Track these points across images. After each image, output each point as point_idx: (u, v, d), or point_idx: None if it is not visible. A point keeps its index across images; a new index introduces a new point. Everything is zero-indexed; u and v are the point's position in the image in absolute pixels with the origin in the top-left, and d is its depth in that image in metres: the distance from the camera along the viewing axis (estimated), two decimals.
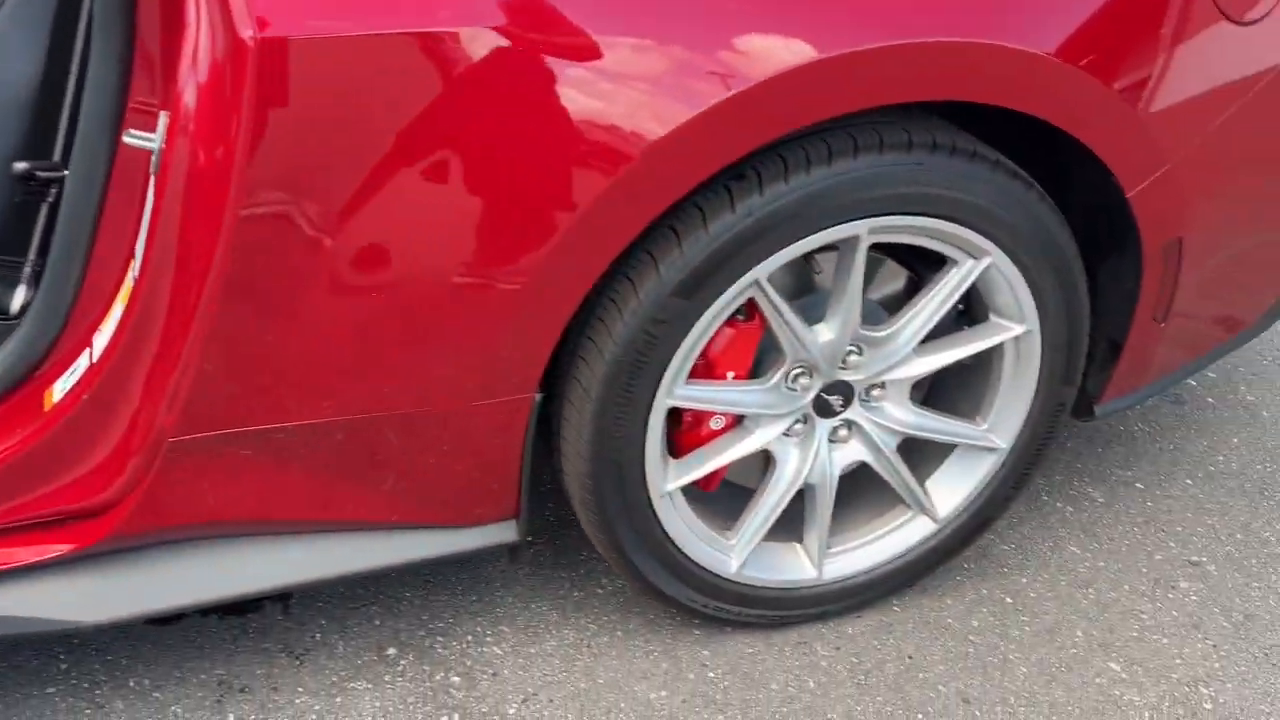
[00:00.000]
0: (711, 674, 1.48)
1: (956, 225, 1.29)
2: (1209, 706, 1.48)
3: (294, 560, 1.34)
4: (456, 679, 1.45)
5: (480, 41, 1.04)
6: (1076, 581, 1.67)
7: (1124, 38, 1.24)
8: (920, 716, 1.44)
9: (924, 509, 1.53)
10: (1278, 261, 1.60)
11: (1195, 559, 1.73)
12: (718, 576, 1.45)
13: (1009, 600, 1.63)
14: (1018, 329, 1.41)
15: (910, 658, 1.52)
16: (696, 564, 1.44)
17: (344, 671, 1.45)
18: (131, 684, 1.41)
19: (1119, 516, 1.81)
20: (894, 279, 1.47)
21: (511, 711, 1.41)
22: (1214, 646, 1.57)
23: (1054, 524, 1.78)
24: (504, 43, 1.05)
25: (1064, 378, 1.47)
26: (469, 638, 1.51)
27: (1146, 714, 1.46)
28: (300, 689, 1.42)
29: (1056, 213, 1.34)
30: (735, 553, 1.46)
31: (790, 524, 1.52)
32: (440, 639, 1.50)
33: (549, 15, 1.06)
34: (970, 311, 1.48)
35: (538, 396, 1.25)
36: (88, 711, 1.37)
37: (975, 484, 1.53)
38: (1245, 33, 1.33)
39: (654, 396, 1.27)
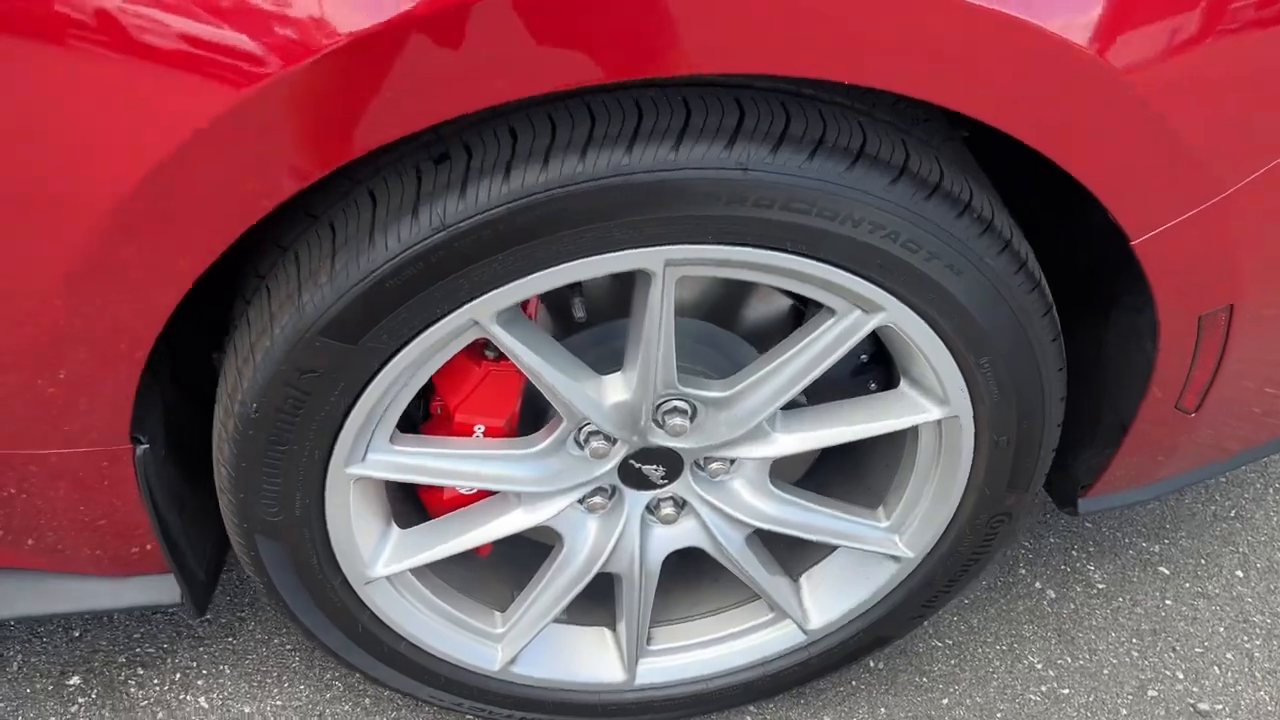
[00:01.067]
0: None
1: (824, 265, 0.79)
2: None
3: None
4: None
5: None
6: (1019, 717, 1.21)
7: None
8: None
9: (789, 614, 1.08)
10: None
11: (1204, 706, 1.23)
12: (475, 674, 1.06)
13: None
14: (935, 412, 0.91)
15: None
16: (438, 659, 1.04)
17: (3, 700, 1.14)
18: None
19: (1117, 616, 1.31)
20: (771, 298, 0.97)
21: None
22: None
23: (1020, 614, 1.30)
24: None
25: (1011, 481, 0.97)
26: (177, 676, 1.17)
27: None
28: None
29: (1011, 256, 0.81)
30: (505, 644, 1.06)
31: (603, 597, 1.10)
32: (142, 671, 1.17)
33: None
34: (882, 365, 0.99)
35: (139, 448, 0.85)
36: None
37: (868, 594, 1.07)
38: None
39: (325, 467, 0.85)
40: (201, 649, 1.20)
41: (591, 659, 1.11)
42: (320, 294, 0.75)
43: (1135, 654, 1.27)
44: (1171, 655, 1.28)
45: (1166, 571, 1.36)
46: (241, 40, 0.61)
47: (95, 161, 0.65)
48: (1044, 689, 1.24)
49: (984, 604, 1.31)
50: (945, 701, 1.22)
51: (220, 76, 0.62)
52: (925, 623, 1.14)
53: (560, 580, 1.02)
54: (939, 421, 0.92)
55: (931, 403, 0.91)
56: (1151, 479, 1.08)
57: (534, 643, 1.08)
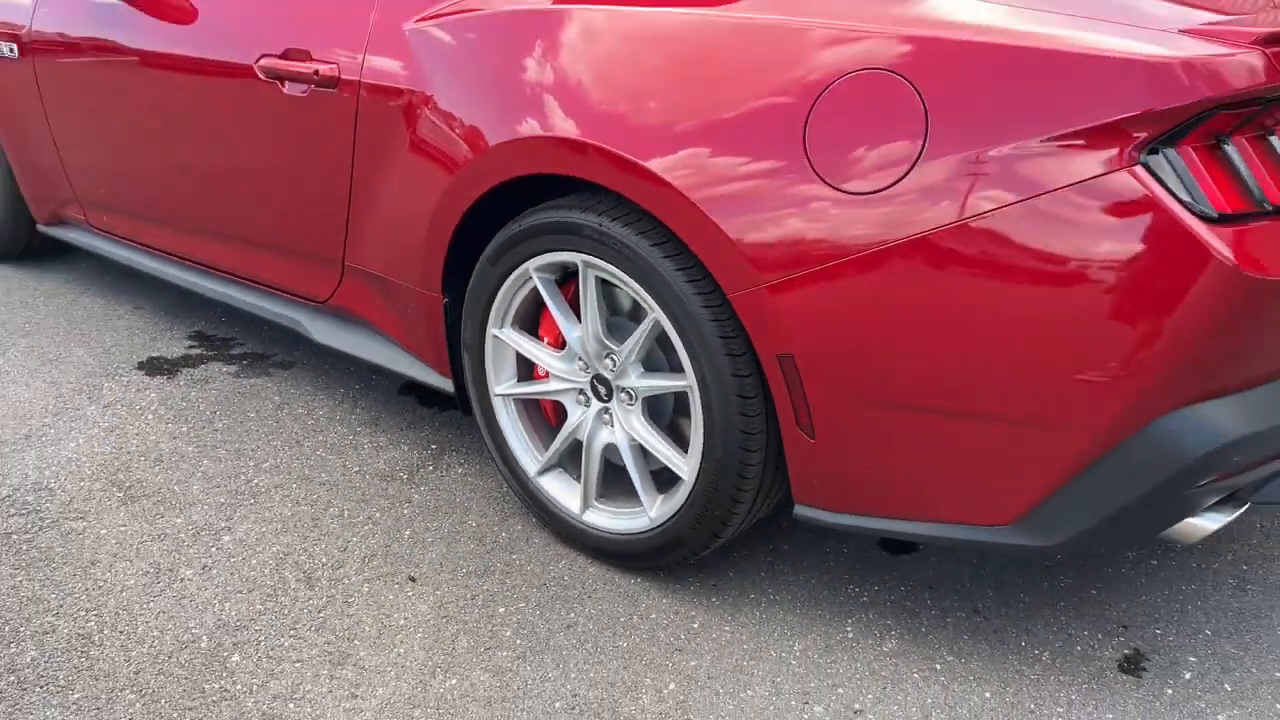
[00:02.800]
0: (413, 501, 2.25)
1: (634, 282, 1.87)
2: None
3: (343, 338, 2.54)
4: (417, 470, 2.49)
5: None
6: None
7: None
8: None
9: (647, 507, 2.03)
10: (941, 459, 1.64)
11: None
12: (524, 470, 2.22)
13: None
14: (684, 382, 1.88)
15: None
16: (513, 455, 2.23)
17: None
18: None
19: None
20: None
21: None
22: None
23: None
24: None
25: (719, 440, 1.84)
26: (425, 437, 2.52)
27: None
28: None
29: (705, 292, 1.78)
30: (539, 462, 2.20)
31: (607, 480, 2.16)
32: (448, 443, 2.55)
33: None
34: None
35: (445, 299, 2.24)
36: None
37: (676, 505, 1.97)
38: (849, 200, 1.59)
39: (485, 323, 2.16)
40: (433, 423, 2.53)
41: (570, 496, 2.17)
42: (496, 241, 2.08)
43: None
44: None
45: None
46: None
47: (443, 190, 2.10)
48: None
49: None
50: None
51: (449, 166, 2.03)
52: (698, 541, 1.95)
53: (562, 435, 2.15)
54: (689, 388, 1.87)
55: (684, 378, 1.87)
56: (845, 504, 1.79)
57: (555, 475, 2.20)
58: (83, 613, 2.00)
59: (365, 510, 2.33)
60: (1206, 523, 1.67)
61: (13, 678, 1.83)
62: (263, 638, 1.93)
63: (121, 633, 1.94)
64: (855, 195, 1.60)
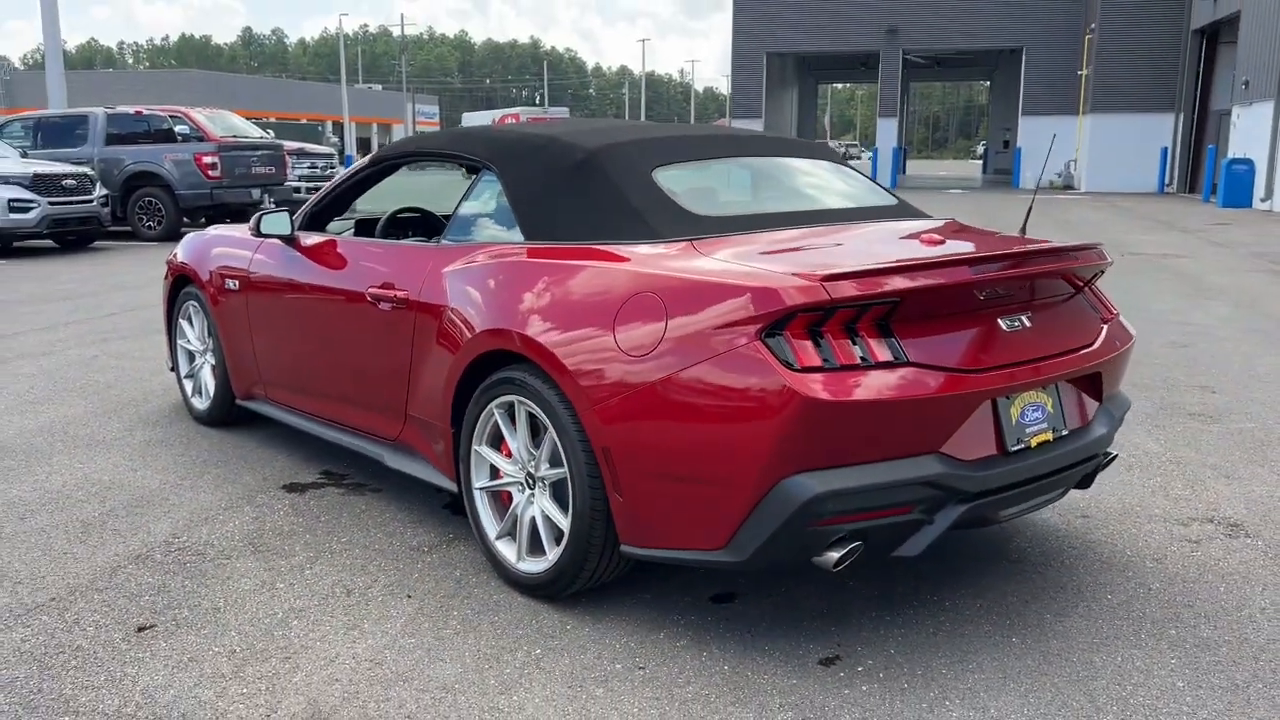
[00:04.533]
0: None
1: (540, 411, 3.23)
2: None
3: (404, 462, 3.95)
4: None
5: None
6: None
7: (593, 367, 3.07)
8: None
9: (546, 552, 3.29)
10: (696, 509, 2.85)
11: None
12: (489, 536, 3.52)
13: None
14: (563, 473, 3.19)
15: None
16: (483, 526, 3.54)
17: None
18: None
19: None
20: None
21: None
22: None
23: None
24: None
25: (576, 503, 3.12)
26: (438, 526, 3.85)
27: None
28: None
29: (561, 398, 3.11)
30: (497, 529, 3.51)
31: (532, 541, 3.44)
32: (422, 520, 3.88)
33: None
34: None
35: (452, 430, 3.64)
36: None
37: (561, 548, 3.23)
38: (632, 360, 2.93)
39: (471, 443, 3.54)
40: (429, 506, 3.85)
41: (512, 552, 3.45)
42: (480, 390, 3.50)
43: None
44: None
45: None
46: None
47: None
48: None
49: None
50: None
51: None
52: (578, 571, 3.17)
53: (509, 512, 3.46)
54: (567, 474, 3.17)
55: (564, 468, 3.18)
56: (648, 543, 3.01)
57: (505, 540, 3.49)
58: (218, 598, 3.40)
59: (395, 564, 3.68)
60: (834, 554, 2.81)
61: (173, 622, 3.23)
62: (312, 616, 3.27)
63: (236, 609, 3.33)
64: (633, 357, 2.94)
